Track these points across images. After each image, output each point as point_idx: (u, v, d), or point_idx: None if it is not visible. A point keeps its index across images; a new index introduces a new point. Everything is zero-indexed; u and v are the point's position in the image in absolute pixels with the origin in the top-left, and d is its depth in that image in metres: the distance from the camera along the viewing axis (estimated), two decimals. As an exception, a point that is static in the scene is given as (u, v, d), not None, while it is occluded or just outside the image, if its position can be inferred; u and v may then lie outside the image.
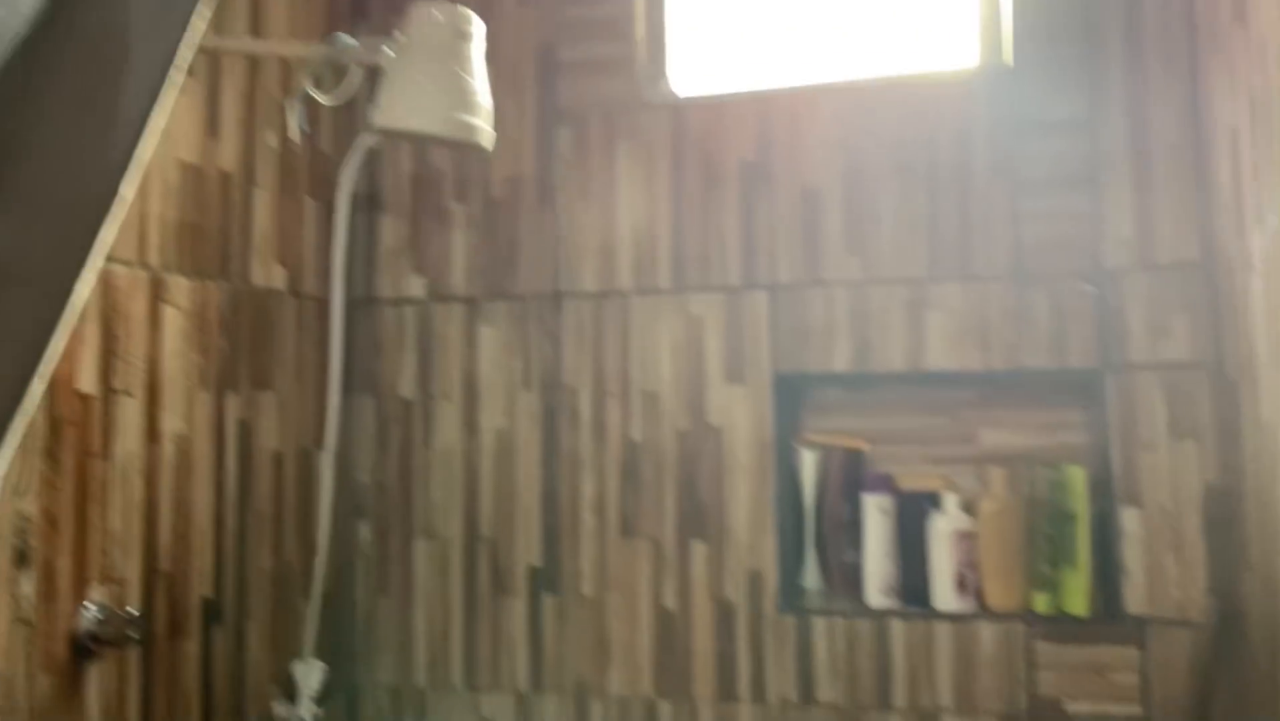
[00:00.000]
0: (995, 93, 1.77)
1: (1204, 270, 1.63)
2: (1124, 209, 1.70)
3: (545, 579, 1.89)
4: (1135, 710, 1.64)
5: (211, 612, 1.61)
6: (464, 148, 1.43)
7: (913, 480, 1.83)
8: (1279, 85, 1.21)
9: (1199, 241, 1.64)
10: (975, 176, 1.77)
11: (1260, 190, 1.31)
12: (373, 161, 2.03)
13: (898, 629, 1.74)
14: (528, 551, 1.90)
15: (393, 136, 1.50)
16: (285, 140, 1.79)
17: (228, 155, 1.68)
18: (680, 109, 1.91)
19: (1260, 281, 1.32)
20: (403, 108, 1.35)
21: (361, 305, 2.01)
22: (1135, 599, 1.65)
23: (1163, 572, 1.64)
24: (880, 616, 1.76)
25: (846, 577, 1.86)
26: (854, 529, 1.85)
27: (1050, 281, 1.72)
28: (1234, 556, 1.53)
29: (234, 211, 1.69)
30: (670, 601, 1.84)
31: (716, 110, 1.89)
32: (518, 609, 1.90)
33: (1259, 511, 1.37)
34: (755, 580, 1.81)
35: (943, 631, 1.73)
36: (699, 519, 1.84)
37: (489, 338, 1.95)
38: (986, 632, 1.71)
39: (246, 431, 1.71)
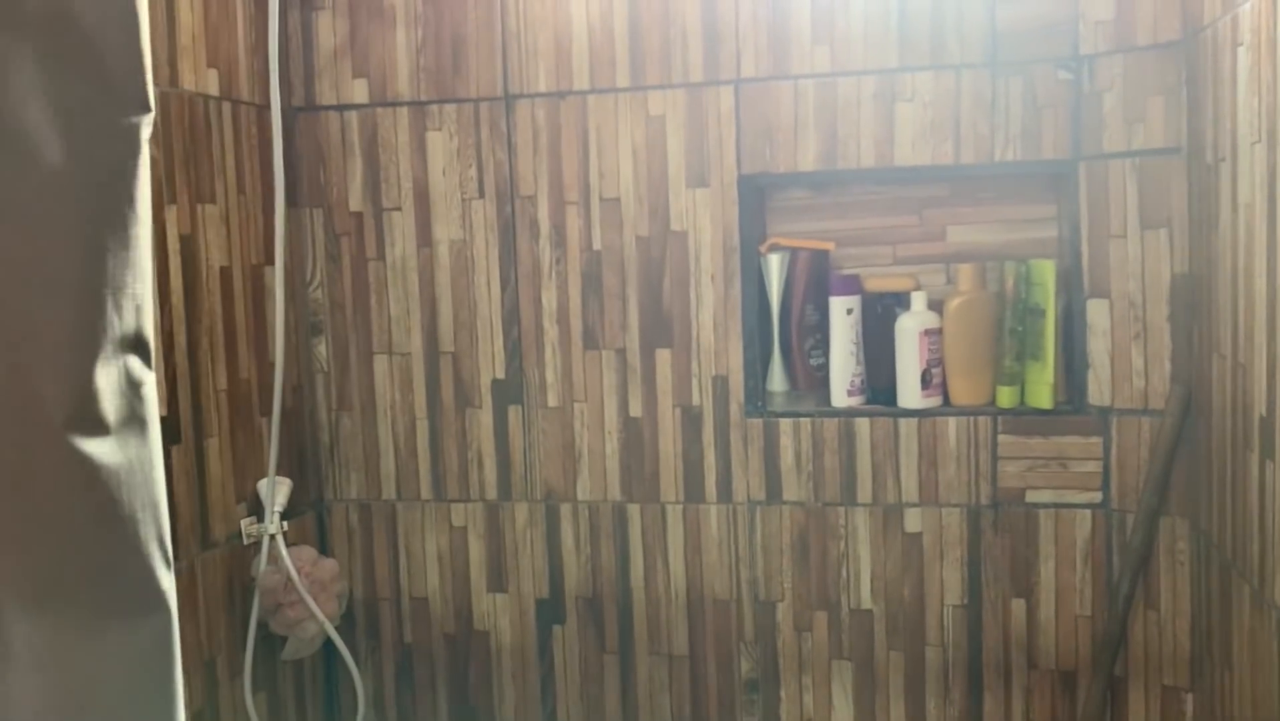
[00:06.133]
0: None
1: (1184, 50, 1.56)
2: (1104, -12, 1.61)
3: (509, 391, 1.87)
4: (1095, 497, 1.68)
5: (168, 432, 1.57)
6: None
7: (880, 281, 1.80)
8: None
9: (1181, 19, 1.57)
10: (949, -44, 1.66)
11: (1253, -44, 1.24)
12: (303, -47, 1.87)
13: (863, 427, 1.75)
14: (490, 364, 1.87)
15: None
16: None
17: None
18: (635, -113, 1.76)
19: (1248, 55, 1.27)
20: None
21: (303, 112, 1.90)
22: (1099, 390, 1.66)
23: (1127, 363, 1.64)
24: (846, 415, 1.76)
25: (813, 379, 1.85)
26: (820, 331, 1.83)
27: (1025, 68, 1.65)
28: (1200, 343, 1.53)
29: (154, 5, 1.55)
30: (637, 409, 1.83)
31: (674, -112, 1.75)
32: (483, 421, 1.88)
33: (1233, 295, 1.36)
34: (721, 385, 1.80)
35: (908, 428, 1.73)
36: (663, 326, 1.81)
37: (438, 144, 1.86)
38: (951, 427, 1.72)
39: (190, 246, 1.63)
